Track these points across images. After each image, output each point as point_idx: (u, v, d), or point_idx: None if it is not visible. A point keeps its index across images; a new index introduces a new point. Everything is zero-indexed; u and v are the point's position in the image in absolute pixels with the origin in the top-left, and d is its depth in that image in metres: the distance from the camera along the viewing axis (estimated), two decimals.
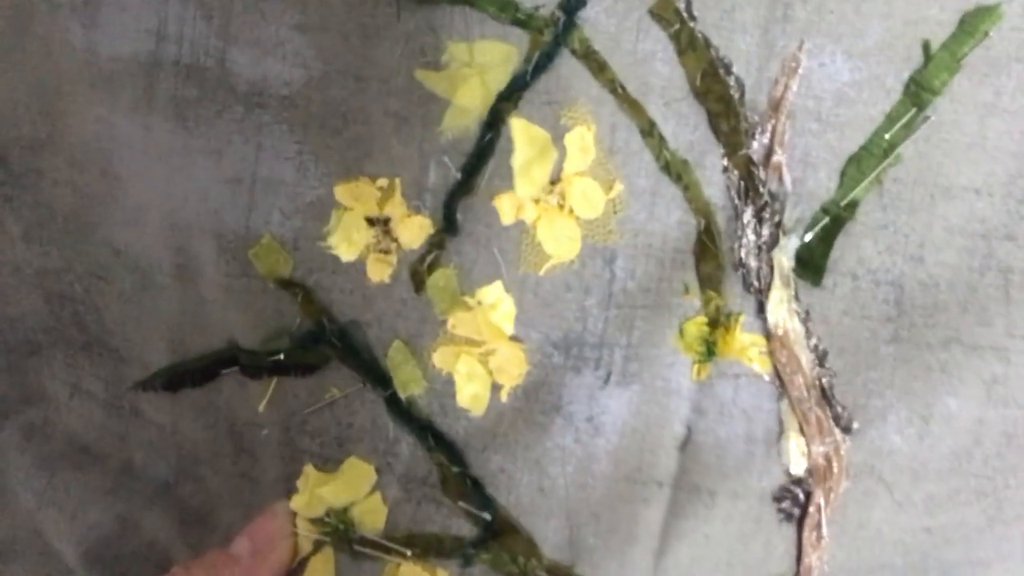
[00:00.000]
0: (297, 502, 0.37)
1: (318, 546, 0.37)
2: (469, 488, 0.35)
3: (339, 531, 0.36)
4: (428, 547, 0.36)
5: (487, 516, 0.35)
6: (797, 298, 0.33)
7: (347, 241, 0.36)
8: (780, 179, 0.33)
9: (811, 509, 0.33)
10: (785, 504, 0.34)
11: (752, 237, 0.33)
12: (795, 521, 0.34)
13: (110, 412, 0.41)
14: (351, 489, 0.36)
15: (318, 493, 0.36)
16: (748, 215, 0.33)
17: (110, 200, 0.39)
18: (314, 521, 0.37)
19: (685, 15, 0.33)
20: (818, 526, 0.33)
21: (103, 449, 0.42)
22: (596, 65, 0.34)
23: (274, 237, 0.37)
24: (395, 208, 0.36)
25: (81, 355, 0.41)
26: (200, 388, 0.39)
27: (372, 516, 0.36)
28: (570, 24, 0.34)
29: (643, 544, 0.35)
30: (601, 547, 0.35)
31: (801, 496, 0.33)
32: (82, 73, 0.38)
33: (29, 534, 0.44)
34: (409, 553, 0.35)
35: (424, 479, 0.36)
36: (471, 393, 0.35)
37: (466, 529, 0.36)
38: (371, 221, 0.36)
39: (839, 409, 0.33)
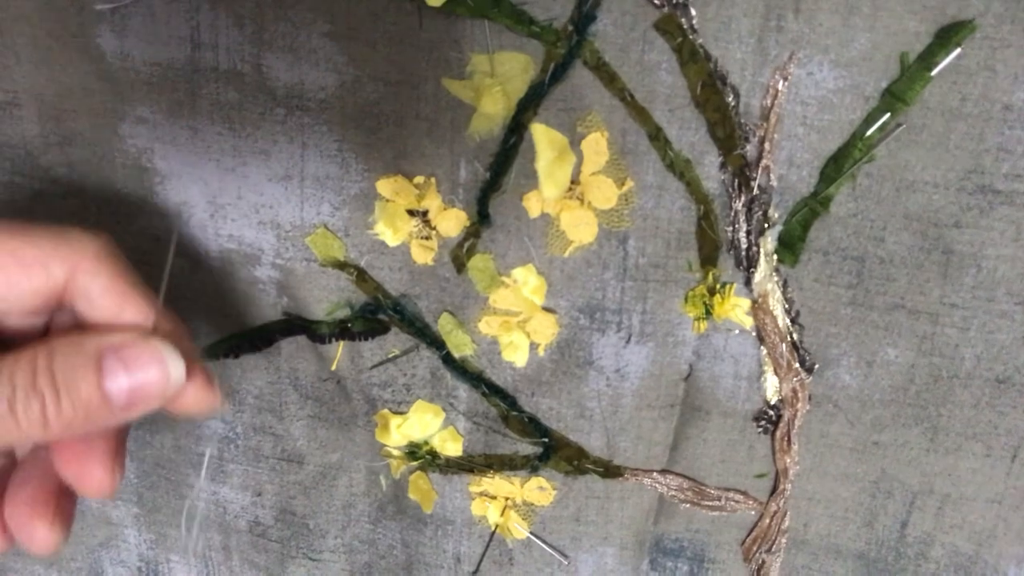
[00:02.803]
0: (383, 439, 0.46)
1: (413, 470, 0.47)
2: (528, 424, 0.44)
3: (427, 458, 0.46)
4: (502, 464, 0.46)
5: (546, 440, 0.44)
6: (777, 271, 0.40)
7: (391, 228, 0.42)
8: (768, 177, 0.38)
9: (782, 424, 0.43)
10: (763, 422, 0.43)
11: (743, 224, 0.39)
12: (770, 434, 0.43)
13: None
14: (424, 425, 0.46)
15: (397, 431, 0.45)
16: (740, 206, 0.39)
17: (150, 192, 0.43)
18: (404, 452, 0.46)
19: (687, 29, 0.36)
20: (787, 436, 0.43)
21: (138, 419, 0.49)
22: (607, 75, 0.38)
23: (327, 227, 0.42)
24: (432, 202, 0.41)
25: None
26: (261, 352, 0.46)
27: (451, 444, 0.46)
28: (582, 37, 0.37)
29: (661, 444, 0.45)
30: (631, 447, 0.45)
31: (775, 416, 0.43)
32: (117, 76, 0.41)
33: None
34: (488, 470, 0.45)
35: (486, 414, 0.45)
36: (513, 350, 0.43)
37: (529, 449, 0.45)
38: (411, 213, 0.42)
39: (804, 355, 0.41)
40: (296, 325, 0.45)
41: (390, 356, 0.45)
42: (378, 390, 0.46)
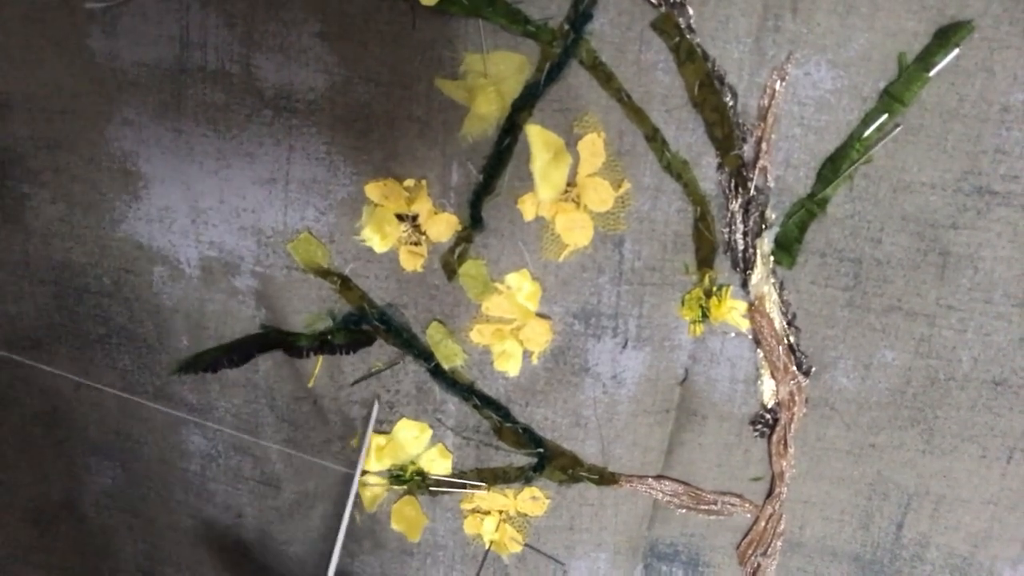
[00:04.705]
0: (364, 463, 0.45)
1: (398, 497, 0.45)
2: (522, 435, 0.43)
3: (413, 481, 0.45)
4: (495, 478, 0.45)
5: (540, 451, 0.43)
6: (774, 273, 0.40)
7: (379, 234, 0.41)
8: (765, 178, 0.38)
9: (778, 428, 0.42)
10: (759, 426, 0.43)
11: (740, 225, 0.39)
12: (767, 437, 0.43)
13: (130, 398, 0.46)
14: (409, 446, 0.44)
15: (378, 454, 0.44)
16: (737, 207, 0.39)
17: (134, 197, 0.42)
18: (387, 476, 0.45)
19: (684, 28, 0.36)
20: (783, 440, 0.43)
21: (124, 432, 0.47)
22: (603, 75, 0.37)
23: (311, 232, 0.41)
24: (422, 206, 0.40)
25: (93, 348, 0.45)
26: (238, 368, 0.44)
27: (440, 462, 0.45)
28: (578, 37, 0.36)
29: (656, 449, 0.44)
30: (626, 454, 0.44)
31: (771, 420, 0.43)
32: (105, 77, 0.39)
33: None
34: (481, 485, 0.44)
35: (476, 428, 0.44)
36: (506, 359, 0.42)
37: (523, 460, 0.44)
38: (401, 217, 0.40)
39: (801, 358, 0.41)
40: (273, 339, 0.43)
41: (373, 371, 0.43)
42: (358, 409, 0.44)
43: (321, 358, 0.43)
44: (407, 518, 0.46)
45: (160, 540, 0.50)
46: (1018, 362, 0.39)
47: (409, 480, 0.45)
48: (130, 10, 0.38)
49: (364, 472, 0.45)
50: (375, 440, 0.44)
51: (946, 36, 0.35)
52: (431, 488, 0.45)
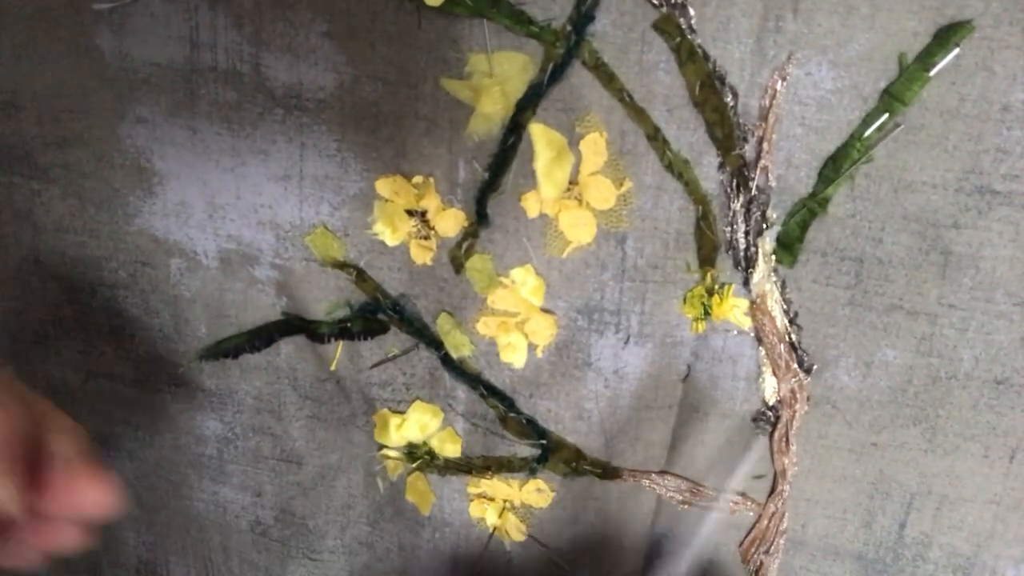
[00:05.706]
0: (382, 439, 0.46)
1: (411, 471, 0.47)
2: (525, 426, 0.44)
3: (425, 459, 0.46)
4: (500, 466, 0.46)
5: (544, 442, 0.44)
6: (776, 272, 0.40)
7: (391, 228, 0.42)
8: (767, 177, 0.38)
9: (780, 425, 0.43)
10: (761, 423, 0.43)
11: (742, 224, 0.39)
12: (769, 435, 0.43)
13: (144, 388, 0.48)
14: (422, 426, 0.46)
15: (396, 431, 0.45)
16: (739, 206, 0.39)
17: (149, 193, 0.43)
18: (402, 452, 0.46)
19: (685, 29, 0.36)
20: (785, 437, 0.43)
21: (134, 422, 0.49)
22: (605, 76, 0.38)
23: (326, 226, 0.42)
24: (431, 202, 0.41)
25: (104, 340, 0.47)
26: (259, 353, 0.46)
27: (449, 445, 0.46)
28: (580, 38, 0.37)
29: (659, 444, 0.45)
30: (629, 449, 0.45)
31: (773, 417, 0.43)
32: (116, 76, 0.41)
33: None
34: (487, 471, 0.45)
35: (484, 416, 0.45)
36: (511, 351, 0.43)
37: (527, 451, 0.45)
38: (410, 212, 0.42)
39: (803, 356, 0.41)
40: (295, 325, 0.45)
41: (390, 355, 0.45)
42: (377, 389, 0.46)
43: (341, 343, 0.45)
44: (419, 491, 0.47)
45: (165, 530, 0.52)
46: (1020, 361, 0.39)
47: (420, 458, 0.46)
48: (137, 10, 0.39)
49: (381, 447, 0.47)
50: (391, 419, 0.46)
51: (946, 36, 0.35)
52: (439, 468, 0.46)
